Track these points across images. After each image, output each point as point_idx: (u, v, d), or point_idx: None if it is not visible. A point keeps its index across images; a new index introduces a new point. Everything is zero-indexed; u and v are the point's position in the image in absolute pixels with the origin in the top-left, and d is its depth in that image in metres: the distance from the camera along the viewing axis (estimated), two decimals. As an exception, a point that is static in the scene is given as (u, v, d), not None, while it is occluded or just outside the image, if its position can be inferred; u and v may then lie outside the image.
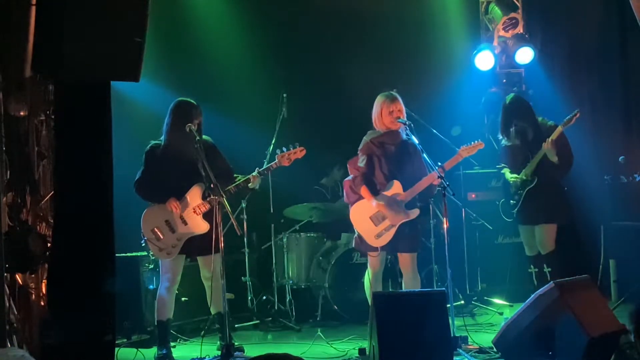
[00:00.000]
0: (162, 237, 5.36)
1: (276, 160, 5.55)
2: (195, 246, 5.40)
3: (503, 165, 6.53)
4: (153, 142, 5.50)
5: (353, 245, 5.75)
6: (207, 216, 5.39)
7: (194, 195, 5.42)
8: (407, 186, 5.43)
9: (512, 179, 6.32)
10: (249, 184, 5.51)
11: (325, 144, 7.72)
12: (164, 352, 5.42)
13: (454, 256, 5.63)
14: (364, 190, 5.46)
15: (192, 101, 5.49)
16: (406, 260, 5.52)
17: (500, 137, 6.49)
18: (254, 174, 5.53)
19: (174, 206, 5.34)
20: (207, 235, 5.32)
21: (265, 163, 6.69)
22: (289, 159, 5.54)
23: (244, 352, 5.56)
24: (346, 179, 5.70)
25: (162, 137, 5.47)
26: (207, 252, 5.29)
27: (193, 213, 5.38)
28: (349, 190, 5.62)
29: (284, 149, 5.58)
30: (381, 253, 5.51)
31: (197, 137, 5.27)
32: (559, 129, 6.08)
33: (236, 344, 5.57)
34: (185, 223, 5.38)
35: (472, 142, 5.53)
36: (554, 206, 6.20)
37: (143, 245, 5.52)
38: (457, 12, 8.11)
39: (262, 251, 7.46)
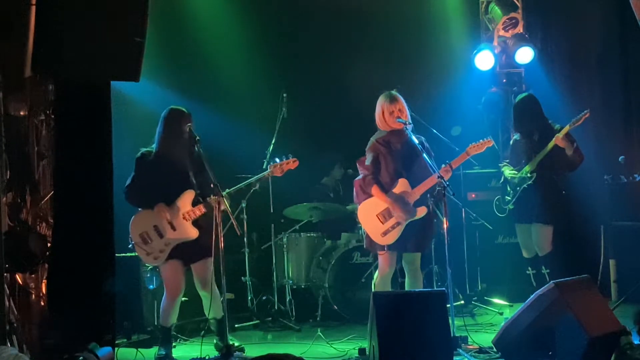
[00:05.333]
0: (150, 241, 5.34)
1: (269, 170, 5.57)
2: (188, 252, 5.40)
3: (505, 163, 6.48)
4: (144, 149, 5.49)
5: (364, 245, 5.74)
6: (197, 223, 5.38)
7: (185, 202, 5.39)
8: (415, 184, 5.42)
9: (511, 176, 6.30)
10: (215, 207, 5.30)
11: (326, 143, 7.72)
12: (164, 352, 5.42)
13: (454, 256, 5.63)
14: (375, 189, 5.43)
15: (182, 109, 5.48)
16: (410, 260, 5.51)
17: (513, 133, 6.45)
18: (223, 194, 5.27)
19: (162, 212, 5.33)
20: (198, 242, 5.35)
21: (265, 163, 6.72)
22: (281, 169, 5.56)
23: (244, 352, 5.56)
24: (356, 178, 5.69)
25: (154, 145, 5.45)
26: (198, 258, 5.38)
27: (182, 219, 5.36)
28: (359, 190, 5.60)
29: (277, 159, 5.59)
30: (391, 255, 5.48)
31: (197, 137, 5.30)
32: (567, 128, 6.05)
33: (236, 344, 5.58)
34: (174, 229, 5.35)
35: (480, 140, 5.49)
36: (551, 208, 6.15)
37: (130, 247, 5.50)
38: (457, 12, 8.11)
39: (262, 251, 7.46)
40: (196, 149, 5.31)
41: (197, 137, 5.32)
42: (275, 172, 5.57)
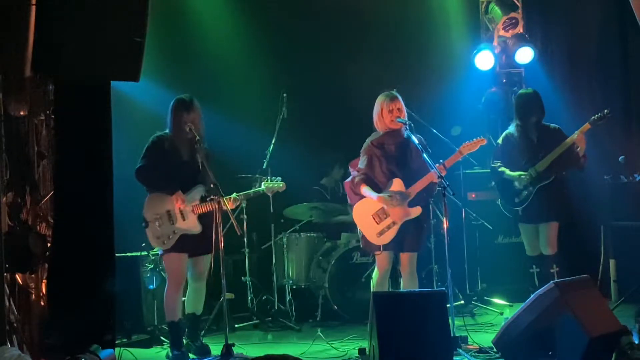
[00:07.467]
0: (162, 224, 5.43)
1: (264, 187, 5.85)
2: (193, 245, 5.46)
3: (499, 163, 6.43)
4: (159, 132, 5.57)
5: (360, 245, 5.75)
6: (202, 218, 5.46)
7: (195, 195, 5.50)
8: (410, 184, 5.43)
9: (522, 176, 6.21)
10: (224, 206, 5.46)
11: (325, 144, 7.72)
12: (175, 353, 5.41)
13: (454, 256, 5.62)
14: (364, 189, 5.46)
15: (185, 98, 5.55)
16: (407, 260, 5.51)
17: (512, 126, 6.40)
18: (232, 196, 5.61)
19: (178, 199, 5.42)
20: (203, 237, 5.39)
21: (265, 164, 6.75)
22: (272, 190, 5.88)
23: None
24: (346, 180, 5.70)
25: (167, 131, 5.55)
26: (202, 252, 5.43)
27: (191, 211, 5.45)
28: (350, 192, 5.62)
29: (270, 179, 5.93)
30: (388, 254, 5.48)
31: (197, 137, 5.35)
32: (587, 125, 6.04)
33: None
34: (183, 218, 5.45)
35: (474, 139, 5.49)
36: (559, 205, 6.15)
37: (144, 226, 5.47)
38: (457, 12, 8.11)
39: (262, 251, 7.46)
40: (196, 146, 5.39)
41: (198, 138, 5.35)
42: (267, 191, 5.87)
